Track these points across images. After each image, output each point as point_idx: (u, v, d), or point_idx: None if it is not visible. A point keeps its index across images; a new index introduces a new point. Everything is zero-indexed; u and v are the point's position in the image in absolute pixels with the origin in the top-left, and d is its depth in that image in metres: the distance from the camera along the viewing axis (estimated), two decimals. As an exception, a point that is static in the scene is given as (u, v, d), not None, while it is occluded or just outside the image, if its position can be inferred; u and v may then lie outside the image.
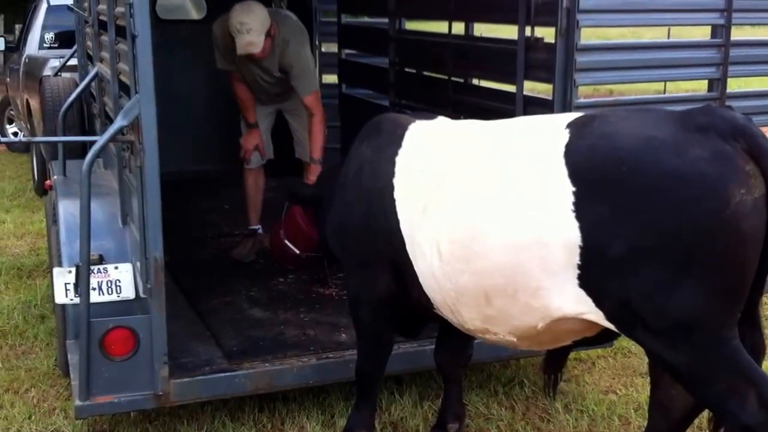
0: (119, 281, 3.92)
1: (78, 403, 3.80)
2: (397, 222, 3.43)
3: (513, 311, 3.08)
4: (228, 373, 4.05)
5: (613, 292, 2.82)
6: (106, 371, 3.81)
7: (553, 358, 3.57)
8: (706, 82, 4.63)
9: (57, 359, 4.83)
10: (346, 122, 7.14)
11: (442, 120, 3.74)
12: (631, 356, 5.07)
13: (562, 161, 2.88)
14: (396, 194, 3.46)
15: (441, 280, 3.25)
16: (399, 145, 3.57)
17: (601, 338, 3.19)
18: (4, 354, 5.15)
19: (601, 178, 2.81)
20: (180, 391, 3.91)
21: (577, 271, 2.85)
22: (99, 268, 3.88)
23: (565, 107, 4.15)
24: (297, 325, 4.66)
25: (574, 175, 2.85)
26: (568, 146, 2.91)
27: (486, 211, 3.05)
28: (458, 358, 4.06)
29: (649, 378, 3.42)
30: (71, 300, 3.91)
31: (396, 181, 3.48)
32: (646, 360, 4.88)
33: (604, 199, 2.79)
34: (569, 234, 2.83)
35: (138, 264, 3.90)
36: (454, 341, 3.96)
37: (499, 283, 3.04)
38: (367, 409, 3.98)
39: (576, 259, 2.84)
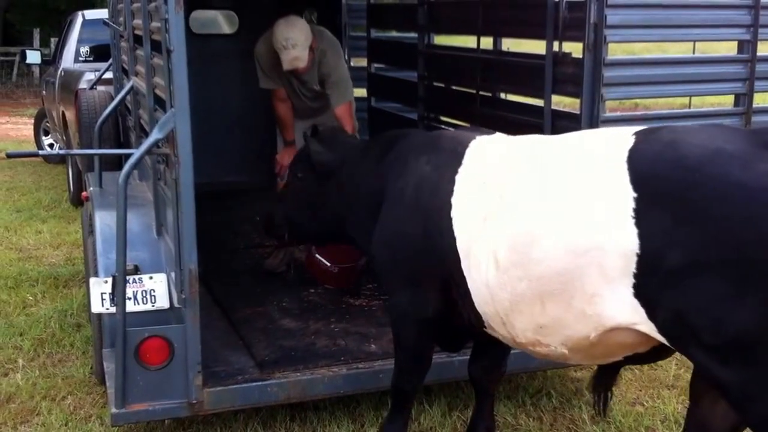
0: (154, 291, 3.99)
1: (114, 410, 3.87)
2: (453, 240, 3.38)
3: (567, 319, 3.03)
4: (260, 383, 4.11)
5: (668, 303, 2.77)
6: (141, 379, 3.88)
7: (603, 375, 3.48)
8: (732, 96, 4.66)
9: (93, 367, 4.93)
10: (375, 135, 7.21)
11: (500, 135, 3.70)
12: (657, 368, 5.08)
13: (625, 166, 2.86)
14: (453, 212, 3.42)
15: (495, 290, 3.21)
16: (460, 163, 3.52)
17: (652, 355, 3.15)
18: (41, 362, 5.25)
19: (664, 185, 2.77)
20: (213, 400, 3.98)
21: (633, 280, 2.81)
22: (134, 278, 3.95)
23: (593, 121, 4.18)
24: (328, 335, 4.72)
25: (637, 180, 2.82)
26: (632, 151, 2.89)
27: (546, 216, 3.02)
28: (492, 373, 4.05)
29: (688, 394, 3.35)
30: (107, 309, 4.00)
31: (454, 200, 3.44)
32: (673, 372, 4.94)
33: (665, 207, 2.75)
34: (627, 240, 2.79)
35: (173, 274, 3.99)
36: (489, 357, 3.98)
37: (555, 289, 3.00)
38: (401, 422, 3.98)
39: (632, 267, 2.80)
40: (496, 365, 4.03)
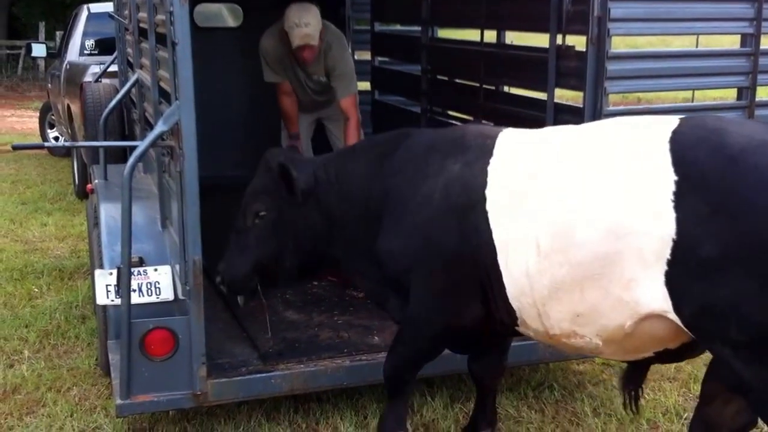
0: (159, 283, 4.01)
1: (119, 401, 3.90)
2: (489, 233, 3.27)
3: (604, 307, 3.00)
4: (264, 374, 4.13)
5: (697, 295, 2.74)
6: (146, 371, 3.90)
7: (633, 372, 3.44)
8: (735, 90, 4.67)
9: (98, 359, 4.96)
10: (379, 128, 7.23)
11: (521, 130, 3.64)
12: (659, 361, 5.10)
13: (667, 146, 2.83)
14: (488, 206, 3.30)
15: (535, 278, 3.15)
16: (490, 155, 3.41)
17: (682, 352, 3.13)
18: (46, 353, 5.28)
19: (706, 171, 2.73)
20: (217, 391, 4.00)
21: (665, 267, 2.77)
22: (139, 271, 3.97)
23: (596, 115, 4.18)
24: (331, 327, 4.74)
25: (678, 163, 2.78)
26: (675, 133, 2.85)
27: (588, 198, 2.98)
28: (495, 370, 4.03)
29: (700, 393, 3.38)
30: (112, 301, 4.01)
31: (488, 192, 3.32)
32: (674, 364, 4.94)
33: (703, 194, 2.71)
34: (665, 224, 2.76)
35: (177, 266, 4.01)
36: (490, 354, 3.96)
37: (595, 274, 2.96)
38: (401, 409, 3.94)
39: (667, 253, 2.76)
40: (496, 362, 4.01)
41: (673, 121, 2.95)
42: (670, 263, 2.76)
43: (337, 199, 3.88)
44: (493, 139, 3.50)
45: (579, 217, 3.00)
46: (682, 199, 2.75)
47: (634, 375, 3.46)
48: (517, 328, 3.45)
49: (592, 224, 2.95)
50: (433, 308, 3.59)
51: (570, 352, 3.48)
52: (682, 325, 2.85)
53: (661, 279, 2.80)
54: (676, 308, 2.80)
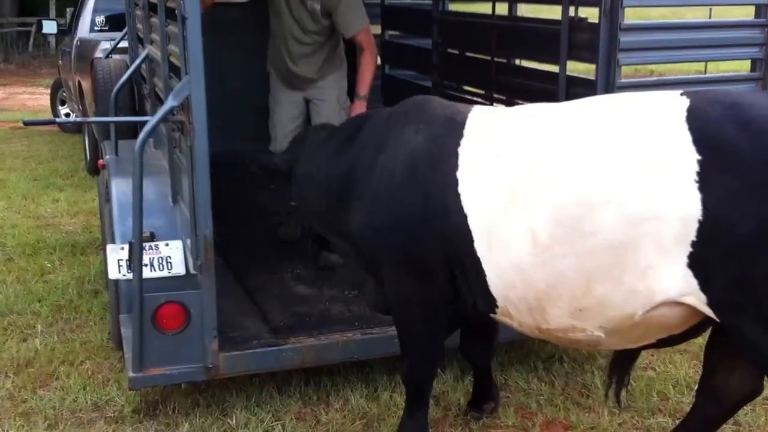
0: (170, 258, 4.03)
1: (131, 374, 3.92)
2: (464, 218, 3.10)
3: (614, 298, 2.86)
4: (275, 348, 4.15)
5: (731, 272, 2.66)
6: (158, 344, 3.92)
7: (621, 360, 3.37)
8: (748, 62, 4.62)
9: (110, 333, 4.98)
10: (389, 103, 7.20)
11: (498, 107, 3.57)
12: (671, 334, 5.08)
13: (685, 126, 2.72)
14: (461, 188, 3.13)
15: (529, 272, 2.96)
16: (461, 134, 3.23)
17: (684, 337, 3.06)
18: (59, 328, 5.31)
19: (736, 148, 2.64)
20: (229, 364, 4.02)
21: (690, 249, 2.68)
22: (151, 245, 3.98)
23: (608, 87, 4.16)
24: (342, 301, 4.75)
25: (701, 141, 2.67)
26: (691, 111, 2.75)
27: (598, 184, 2.82)
28: (486, 350, 4.01)
29: (703, 363, 3.37)
30: (124, 276, 4.04)
31: (461, 174, 3.14)
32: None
33: (736, 171, 2.63)
34: (689, 206, 2.66)
35: (188, 241, 4.02)
36: (480, 336, 3.92)
37: (606, 265, 2.81)
38: (421, 415, 3.76)
39: (691, 236, 2.66)
40: (487, 344, 3.99)
41: (678, 97, 2.84)
42: (695, 244, 2.67)
43: (307, 176, 3.99)
44: (463, 114, 3.34)
45: (589, 205, 2.83)
46: (708, 179, 2.66)
47: (624, 361, 3.39)
48: (493, 316, 3.30)
49: (606, 212, 2.80)
50: (406, 290, 3.44)
51: (561, 345, 3.42)
52: (702, 308, 2.77)
53: (683, 262, 2.71)
54: (704, 288, 2.72)
